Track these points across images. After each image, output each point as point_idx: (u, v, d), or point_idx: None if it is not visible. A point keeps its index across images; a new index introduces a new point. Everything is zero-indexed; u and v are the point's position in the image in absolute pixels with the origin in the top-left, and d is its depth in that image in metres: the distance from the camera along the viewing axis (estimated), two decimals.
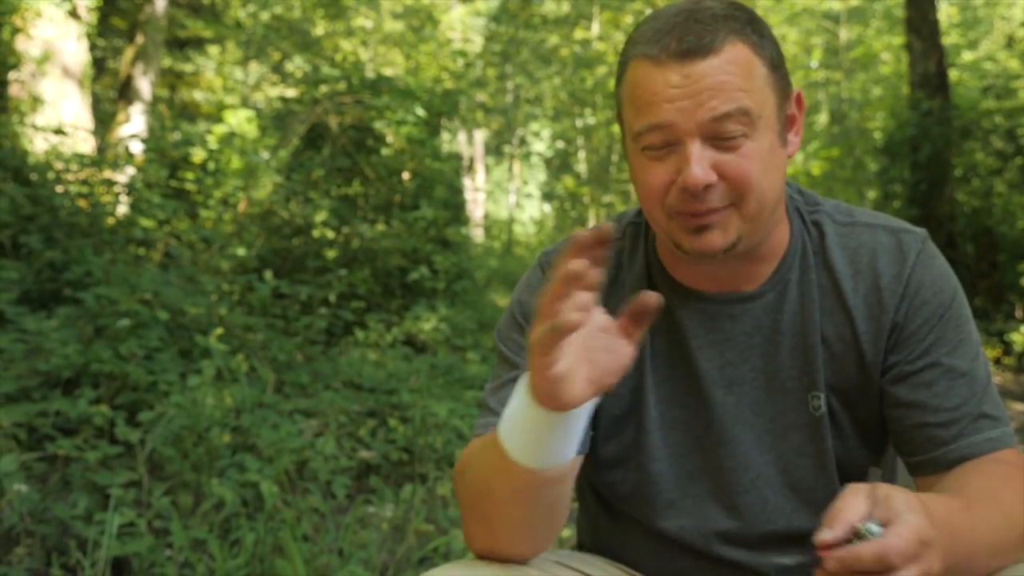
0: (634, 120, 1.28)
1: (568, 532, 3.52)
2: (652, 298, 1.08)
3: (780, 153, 1.31)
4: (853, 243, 1.40)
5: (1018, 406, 7.15)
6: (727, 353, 1.41)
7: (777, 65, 1.30)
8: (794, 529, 1.43)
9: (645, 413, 1.43)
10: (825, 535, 0.99)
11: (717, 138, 1.24)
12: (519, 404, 1.16)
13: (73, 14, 8.94)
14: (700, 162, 1.23)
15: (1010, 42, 14.74)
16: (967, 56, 17.42)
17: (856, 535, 1.00)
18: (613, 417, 1.45)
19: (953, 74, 13.22)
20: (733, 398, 1.41)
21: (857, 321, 1.38)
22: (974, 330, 1.39)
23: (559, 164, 28.19)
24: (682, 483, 1.44)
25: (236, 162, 8.37)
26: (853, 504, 1.02)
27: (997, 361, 9.19)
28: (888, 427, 1.40)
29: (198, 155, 8.03)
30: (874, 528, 1.00)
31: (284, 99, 10.60)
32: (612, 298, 1.45)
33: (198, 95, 17.81)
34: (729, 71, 1.23)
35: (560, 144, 28.32)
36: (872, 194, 13.63)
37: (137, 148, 7.65)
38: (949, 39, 17.58)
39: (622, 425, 1.44)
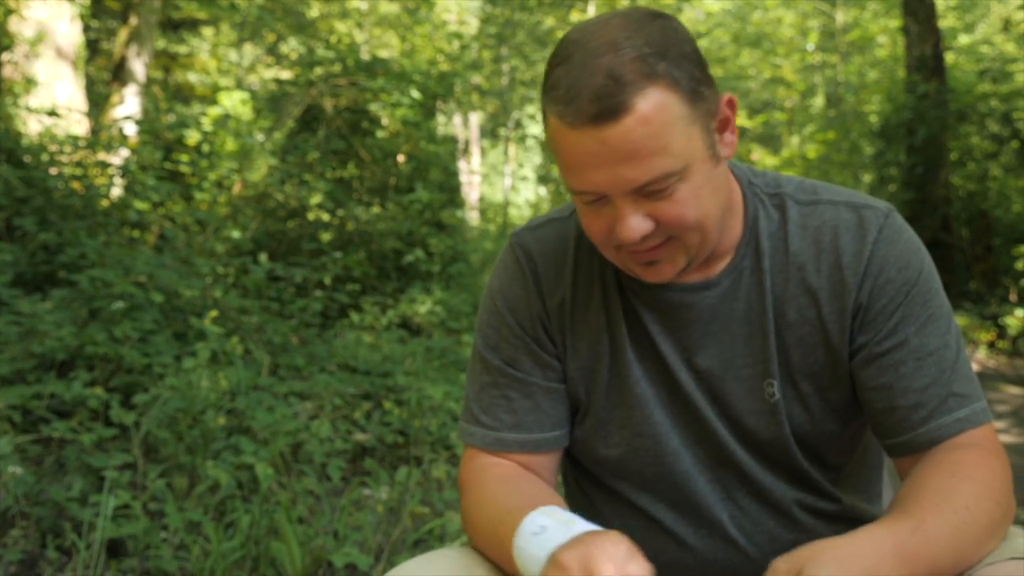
0: (564, 177, 1.27)
1: None
2: None
3: (714, 173, 1.29)
4: (815, 222, 1.39)
5: (1012, 389, 7.17)
6: (684, 340, 1.41)
7: (697, 90, 1.24)
8: (777, 501, 1.45)
9: (629, 389, 1.44)
10: None
11: (646, 192, 1.23)
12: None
13: None
14: (632, 217, 1.24)
15: (1007, 25, 14.70)
16: (963, 39, 17.42)
17: None
18: (598, 393, 1.46)
19: (949, 57, 13.22)
20: (693, 383, 1.42)
21: (821, 302, 1.37)
22: (944, 303, 1.37)
23: None
24: (667, 459, 1.44)
25: (231, 144, 8.35)
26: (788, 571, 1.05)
27: (991, 345, 9.21)
28: (862, 410, 1.41)
29: (192, 137, 8.00)
30: None
31: (279, 81, 10.58)
32: (586, 276, 1.46)
33: (192, 77, 17.76)
34: (643, 133, 1.18)
35: None
36: (868, 177, 13.63)
37: (131, 130, 7.61)
38: (945, 22, 17.55)
39: (606, 400, 1.46)
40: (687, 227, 1.26)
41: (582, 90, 1.19)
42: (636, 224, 1.24)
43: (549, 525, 1.22)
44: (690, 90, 1.22)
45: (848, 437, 1.46)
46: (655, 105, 1.19)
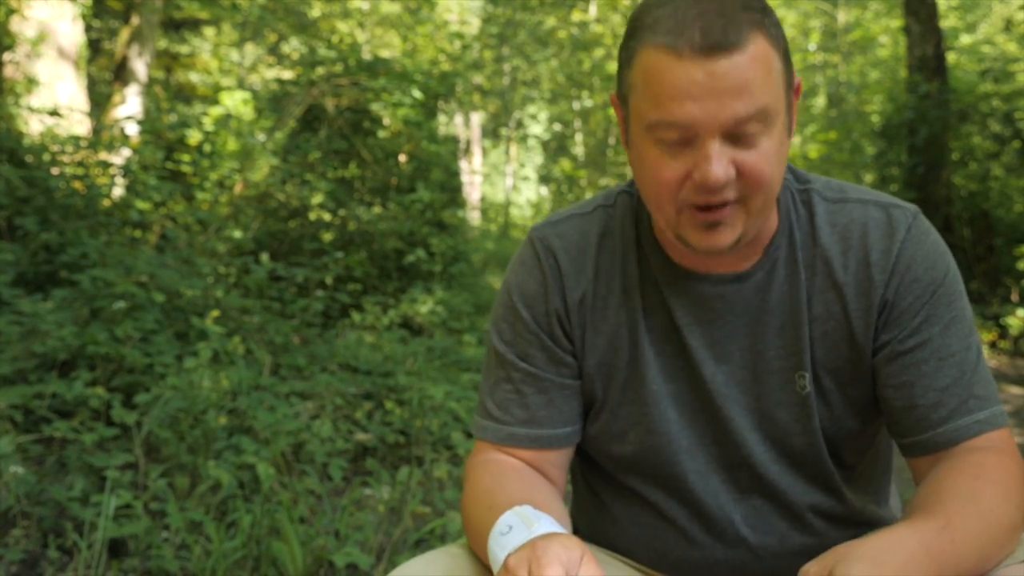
0: (650, 111, 1.24)
1: None
2: None
3: (786, 145, 1.31)
4: (844, 219, 1.39)
5: (1014, 389, 7.17)
6: (715, 332, 1.41)
7: (787, 56, 1.29)
8: (790, 503, 1.44)
9: (644, 386, 1.43)
10: None
11: (736, 136, 1.22)
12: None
13: None
14: (720, 160, 1.22)
15: (1008, 25, 14.69)
16: (965, 39, 17.38)
17: None
18: (615, 388, 1.45)
19: (951, 57, 13.21)
20: (722, 376, 1.41)
21: (847, 298, 1.37)
22: (967, 307, 1.38)
23: (556, 147, 28.14)
24: (681, 457, 1.44)
25: (232, 144, 8.35)
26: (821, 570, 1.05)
27: (993, 345, 9.21)
28: (881, 408, 1.40)
29: (194, 137, 8.01)
30: None
31: (280, 81, 10.57)
32: (606, 271, 1.46)
33: (194, 77, 17.74)
34: (753, 69, 1.20)
35: (557, 127, 28.26)
36: (869, 177, 13.62)
37: (133, 130, 7.61)
38: (947, 22, 17.54)
39: (623, 397, 1.45)
40: (763, 183, 1.25)
41: (693, 22, 1.19)
42: (721, 166, 1.22)
43: (515, 525, 1.22)
44: (784, 52, 1.27)
45: (866, 437, 1.46)
46: (763, 51, 1.21)
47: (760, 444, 1.42)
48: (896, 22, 18.18)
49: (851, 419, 1.42)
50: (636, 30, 1.25)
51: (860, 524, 1.49)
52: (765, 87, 1.21)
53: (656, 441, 1.43)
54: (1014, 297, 9.91)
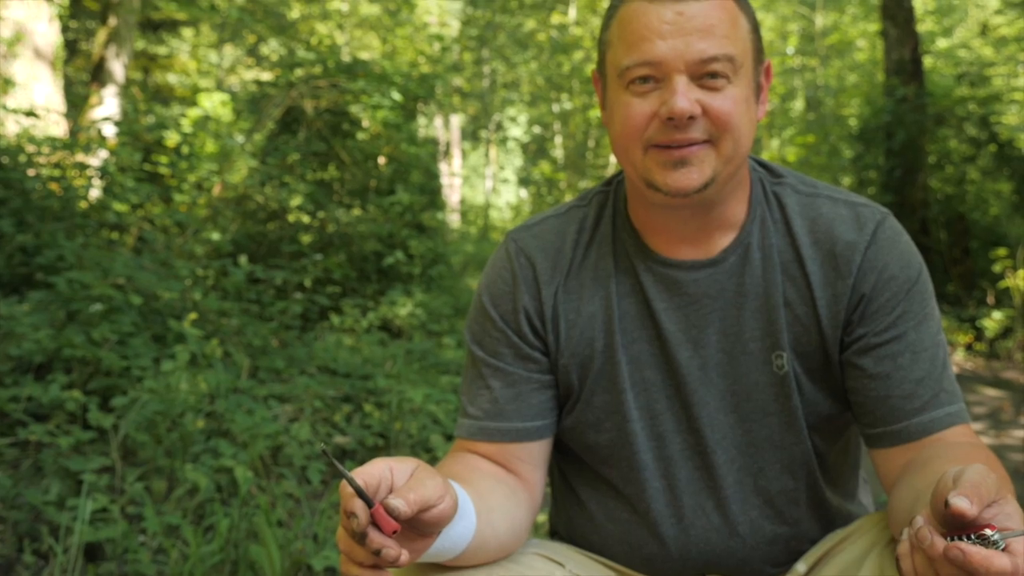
0: (623, 56, 1.33)
1: (542, 517, 3.53)
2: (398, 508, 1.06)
3: (753, 108, 1.37)
4: (813, 213, 1.44)
5: (989, 391, 7.21)
6: (691, 316, 1.44)
7: (756, 29, 1.37)
8: (764, 489, 1.46)
9: (618, 374, 1.45)
10: (963, 504, 0.96)
11: (702, 77, 1.30)
12: None
13: None
14: (686, 94, 1.29)
15: (984, 30, 14.82)
16: (942, 43, 17.53)
17: (979, 536, 0.98)
18: (590, 378, 1.48)
19: (928, 61, 13.30)
20: (698, 360, 1.44)
21: (814, 286, 1.41)
22: (936, 307, 1.44)
23: (536, 149, 28.13)
24: (654, 444, 1.46)
25: (210, 146, 8.31)
26: (991, 485, 0.99)
27: (969, 347, 9.26)
28: (850, 399, 1.43)
29: (172, 139, 7.96)
30: (998, 538, 0.98)
31: (259, 82, 10.53)
32: (579, 265, 1.49)
33: (172, 78, 17.66)
34: (719, 16, 1.30)
35: (537, 129, 28.25)
36: (847, 180, 13.69)
37: (110, 131, 7.56)
38: (924, 26, 17.67)
39: (597, 385, 1.47)
40: (730, 125, 1.32)
41: None
42: (687, 100, 1.29)
43: None
44: (752, 23, 1.37)
45: (835, 426, 1.48)
46: (729, 5, 1.32)
47: (736, 427, 1.44)
48: (873, 26, 18.29)
49: (821, 404, 1.44)
50: None
51: (832, 515, 1.50)
52: (731, 36, 1.31)
53: (630, 428, 1.45)
54: (990, 300, 9.98)
